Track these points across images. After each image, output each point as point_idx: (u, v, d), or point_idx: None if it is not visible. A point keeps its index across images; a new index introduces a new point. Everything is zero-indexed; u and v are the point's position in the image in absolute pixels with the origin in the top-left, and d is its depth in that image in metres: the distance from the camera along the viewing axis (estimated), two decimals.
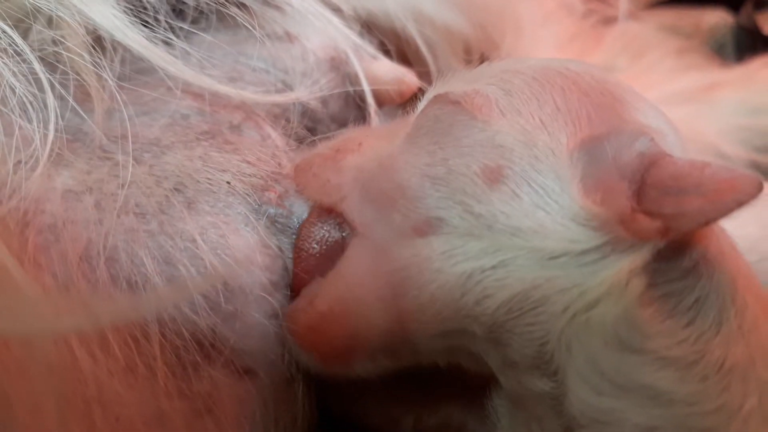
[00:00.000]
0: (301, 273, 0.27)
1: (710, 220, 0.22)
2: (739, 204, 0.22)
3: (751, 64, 0.59)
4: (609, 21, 0.60)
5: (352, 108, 0.40)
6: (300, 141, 0.37)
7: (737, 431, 0.21)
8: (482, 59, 0.49)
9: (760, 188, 0.22)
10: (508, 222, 0.23)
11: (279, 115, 0.36)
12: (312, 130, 0.39)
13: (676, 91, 0.57)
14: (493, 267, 0.23)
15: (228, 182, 0.27)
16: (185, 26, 0.34)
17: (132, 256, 0.24)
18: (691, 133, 0.54)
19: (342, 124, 0.41)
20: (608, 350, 0.22)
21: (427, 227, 0.24)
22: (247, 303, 0.25)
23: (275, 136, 0.35)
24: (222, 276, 0.24)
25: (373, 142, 0.28)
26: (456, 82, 0.27)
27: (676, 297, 0.22)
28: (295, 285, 0.27)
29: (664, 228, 0.22)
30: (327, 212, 0.27)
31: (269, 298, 0.26)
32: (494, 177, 0.24)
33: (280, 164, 0.32)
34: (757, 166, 0.54)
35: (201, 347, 0.24)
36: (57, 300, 0.22)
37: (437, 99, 0.26)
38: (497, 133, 0.24)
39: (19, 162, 0.24)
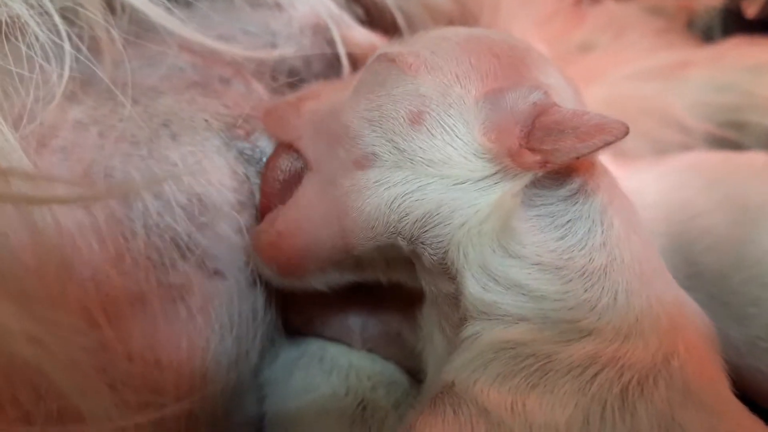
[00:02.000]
0: (267, 196, 0.32)
1: (580, 155, 0.27)
2: (606, 143, 0.27)
3: (723, 44, 0.63)
4: (587, 1, 0.64)
5: (334, 69, 0.45)
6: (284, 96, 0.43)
7: (592, 323, 0.26)
8: None
9: (625, 132, 0.27)
10: (425, 155, 0.29)
11: (266, 72, 0.42)
12: (296, 87, 0.44)
13: (649, 67, 0.61)
14: (413, 191, 0.29)
15: (206, 120, 0.33)
16: None
17: (126, 174, 0.30)
18: (658, 106, 0.59)
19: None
20: (494, 255, 0.27)
21: (365, 160, 0.30)
22: (217, 216, 0.31)
23: (261, 90, 0.41)
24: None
25: (330, 92, 0.33)
26: (398, 46, 0.32)
27: (550, 217, 0.28)
28: (261, 206, 0.33)
29: (543, 161, 0.27)
30: (288, 147, 0.33)
31: (237, 215, 0.32)
32: (416, 119, 0.29)
33: (256, 109, 0.38)
34: (718, 140, 0.58)
35: (178, 248, 0.30)
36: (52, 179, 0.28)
37: (379, 57, 0.31)
38: (421, 85, 0.29)
39: (38, 95, 0.30)
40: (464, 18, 0.53)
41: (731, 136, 0.58)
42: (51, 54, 0.32)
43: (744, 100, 0.58)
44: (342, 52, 0.44)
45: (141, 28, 0.38)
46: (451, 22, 0.52)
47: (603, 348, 0.26)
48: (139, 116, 0.32)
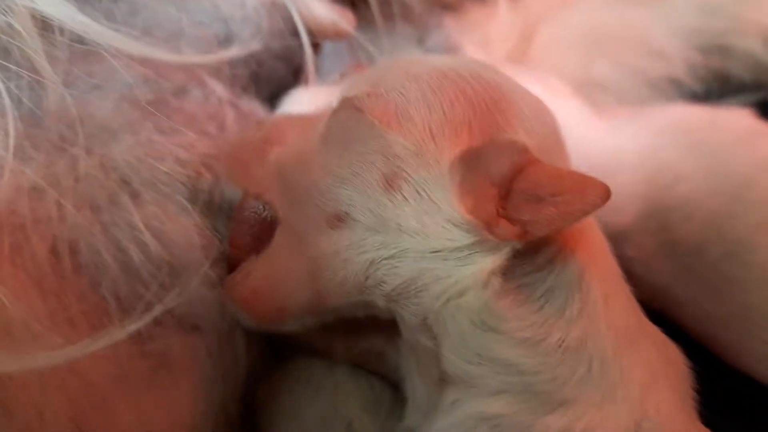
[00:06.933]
0: (237, 247, 0.32)
1: (560, 227, 0.26)
2: (586, 213, 0.26)
3: None
4: None
5: (294, 49, 0.42)
6: (245, 89, 0.41)
7: (568, 394, 0.27)
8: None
9: (606, 197, 0.26)
10: (399, 222, 0.28)
11: (222, 68, 0.39)
12: (257, 73, 0.42)
13: None
14: (389, 257, 0.28)
15: (166, 172, 0.31)
16: None
17: (91, 247, 0.29)
18: (639, 34, 0.56)
19: (286, 61, 0.44)
20: (474, 329, 0.27)
21: (338, 220, 0.29)
22: (188, 276, 0.30)
23: (220, 90, 0.38)
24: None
25: (296, 135, 0.31)
26: (362, 84, 0.30)
27: (529, 288, 0.27)
28: (231, 258, 0.32)
29: (522, 232, 0.26)
30: (255, 196, 0.31)
31: (209, 271, 0.31)
32: (390, 184, 0.28)
33: (221, 126, 0.36)
34: (698, 67, 0.56)
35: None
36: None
37: (345, 104, 0.29)
38: (394, 143, 0.28)
39: None
40: None
41: (716, 62, 0.56)
42: None
43: (730, 25, 0.55)
44: (302, 30, 0.41)
45: (81, 48, 0.34)
46: None
47: (577, 418, 0.27)
48: (96, 172, 0.30)
